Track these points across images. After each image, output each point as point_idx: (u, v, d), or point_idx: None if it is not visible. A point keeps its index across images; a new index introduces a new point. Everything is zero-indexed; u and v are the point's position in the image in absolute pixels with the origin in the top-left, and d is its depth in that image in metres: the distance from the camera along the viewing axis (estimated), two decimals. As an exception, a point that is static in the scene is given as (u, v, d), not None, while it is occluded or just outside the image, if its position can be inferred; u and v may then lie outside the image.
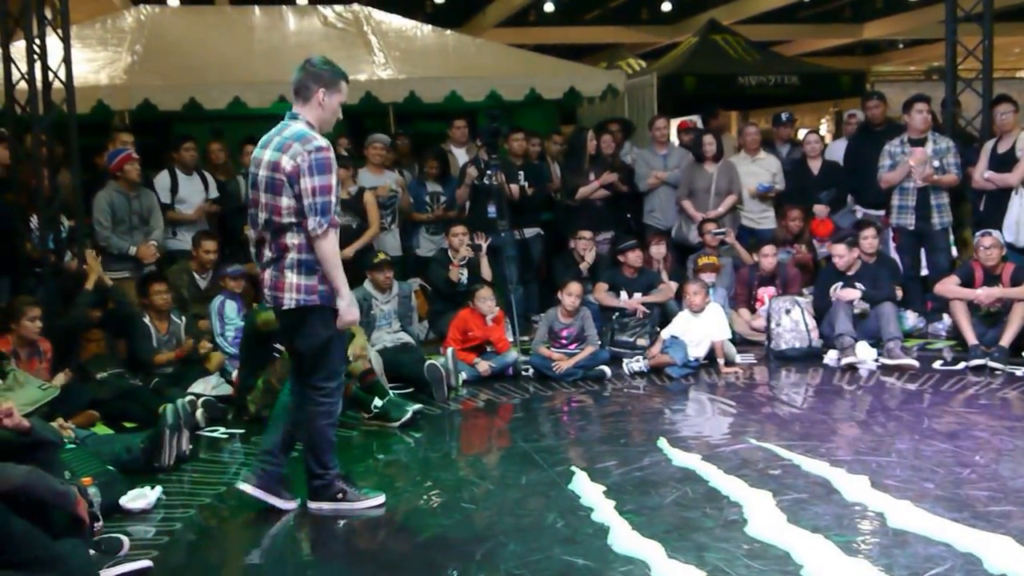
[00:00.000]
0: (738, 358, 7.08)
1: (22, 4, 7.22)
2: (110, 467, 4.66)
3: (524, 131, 8.53)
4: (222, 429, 5.77)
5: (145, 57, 9.03)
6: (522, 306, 7.89)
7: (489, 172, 7.74)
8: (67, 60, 7.32)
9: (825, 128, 16.76)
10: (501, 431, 5.95)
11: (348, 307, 4.15)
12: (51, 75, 7.32)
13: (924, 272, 7.95)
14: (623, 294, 7.51)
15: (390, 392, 5.99)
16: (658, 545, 3.71)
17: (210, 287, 7.28)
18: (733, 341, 7.17)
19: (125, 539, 3.91)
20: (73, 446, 4.98)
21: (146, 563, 3.78)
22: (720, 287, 7.74)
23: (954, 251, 8.14)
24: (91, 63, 8.82)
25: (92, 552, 3.73)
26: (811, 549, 3.63)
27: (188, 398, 5.61)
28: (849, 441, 5.14)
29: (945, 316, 7.39)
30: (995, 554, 3.49)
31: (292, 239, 4.10)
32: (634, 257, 7.56)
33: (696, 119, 9.90)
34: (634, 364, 6.85)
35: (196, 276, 7.32)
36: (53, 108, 7.31)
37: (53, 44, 7.37)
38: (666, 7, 20.07)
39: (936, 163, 7.63)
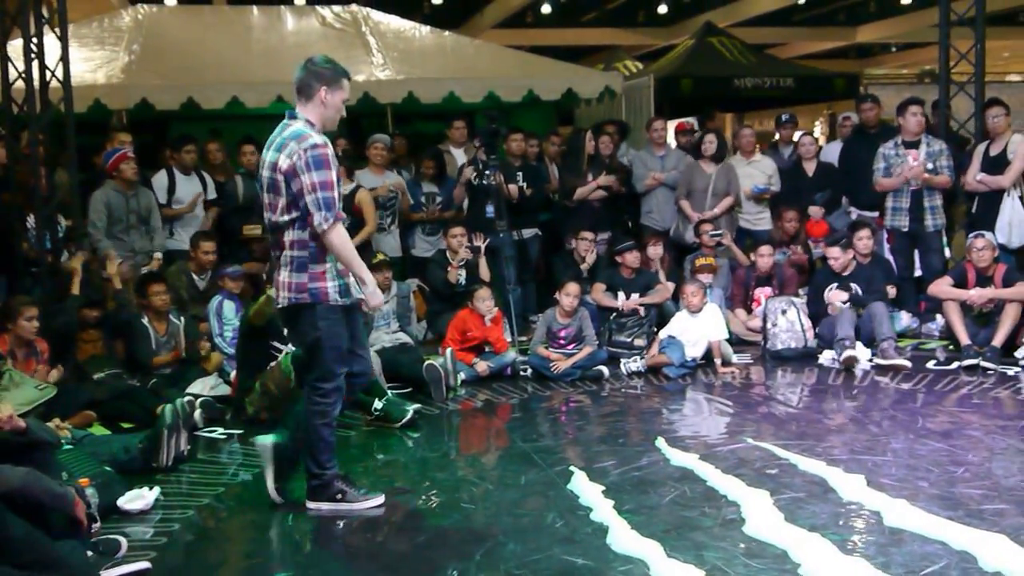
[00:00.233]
0: (735, 358, 7.12)
1: (19, 2, 7.22)
2: (107, 468, 4.65)
3: (523, 132, 8.56)
4: (220, 430, 5.77)
5: (143, 56, 9.04)
6: (520, 306, 7.93)
7: (488, 172, 7.78)
8: (64, 59, 7.33)
9: (819, 130, 16.86)
10: (500, 431, 5.96)
11: (372, 293, 4.21)
12: (48, 74, 7.33)
13: (918, 273, 8.00)
14: (620, 295, 7.54)
15: (388, 392, 6.00)
16: (657, 544, 3.73)
17: (208, 287, 7.28)
18: (730, 341, 7.21)
19: (123, 540, 3.90)
20: (70, 447, 4.94)
21: (145, 564, 3.77)
22: (717, 288, 7.77)
23: (947, 252, 8.19)
24: (88, 62, 8.83)
25: (90, 553, 3.72)
26: (808, 547, 3.65)
27: (186, 399, 5.59)
28: (845, 440, 5.16)
29: (938, 316, 7.45)
30: (990, 552, 3.53)
31: (287, 236, 4.16)
32: (632, 258, 7.59)
33: (693, 121, 9.95)
34: (631, 364, 6.88)
35: (194, 277, 7.33)
36: (50, 107, 7.32)
37: (50, 43, 7.38)
38: (662, 9, 20.14)
39: (930, 165, 7.69)
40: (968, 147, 8.56)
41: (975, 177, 7.70)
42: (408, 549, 3.93)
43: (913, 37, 23.41)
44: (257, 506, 4.51)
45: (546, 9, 19.51)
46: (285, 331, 6.00)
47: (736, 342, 7.42)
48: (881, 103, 8.88)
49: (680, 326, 7.01)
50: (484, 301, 6.97)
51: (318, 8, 10.38)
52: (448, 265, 7.63)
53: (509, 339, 7.25)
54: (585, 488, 4.45)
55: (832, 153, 9.07)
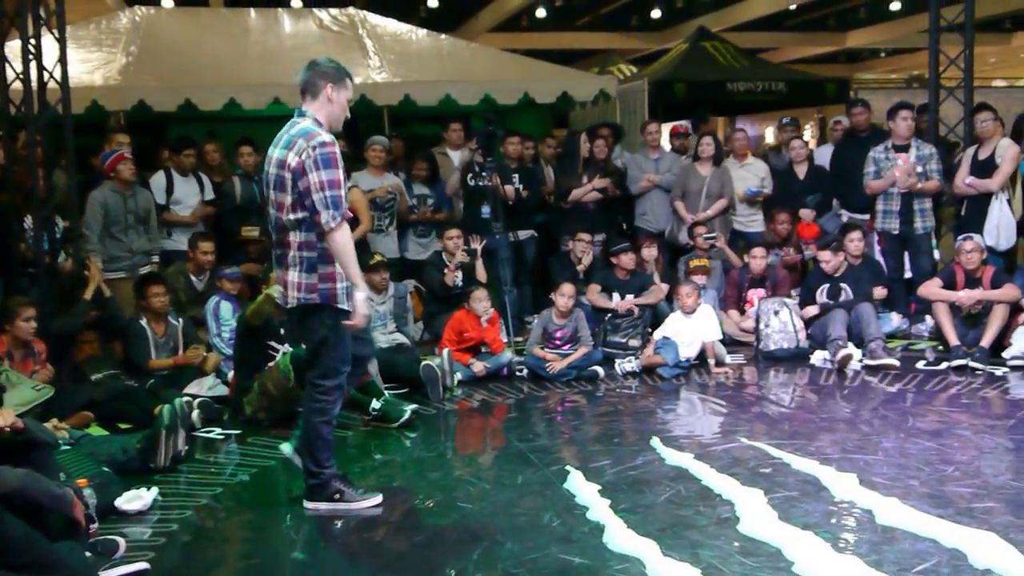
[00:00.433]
0: (728, 358, 7.18)
1: (17, 3, 7.22)
2: (105, 468, 4.65)
3: (519, 134, 8.61)
4: (218, 430, 5.78)
5: (140, 58, 9.03)
6: (516, 307, 7.97)
7: (484, 174, 7.82)
8: (62, 60, 7.32)
9: (809, 134, 16.93)
10: (496, 431, 6.00)
11: (363, 301, 4.19)
12: (46, 75, 7.32)
13: (908, 275, 8.09)
14: (615, 296, 7.59)
15: (385, 392, 6.04)
16: (653, 543, 3.77)
17: (206, 289, 7.30)
18: (723, 342, 7.27)
19: (121, 541, 3.91)
20: (68, 447, 4.96)
21: (143, 565, 3.78)
22: (711, 289, 7.83)
23: (936, 255, 8.28)
24: (85, 64, 8.81)
25: (88, 554, 3.72)
26: (802, 546, 3.71)
27: (184, 399, 5.58)
28: (836, 439, 5.22)
29: (928, 317, 7.54)
30: (980, 550, 3.59)
31: (294, 236, 4.16)
32: (627, 259, 7.64)
33: (687, 124, 10.02)
34: (626, 364, 6.94)
35: (192, 278, 7.34)
36: (48, 108, 7.32)
37: (48, 44, 7.36)
38: (656, 14, 20.26)
39: (919, 169, 7.77)
40: (956, 151, 8.66)
41: (964, 181, 7.79)
42: (406, 548, 3.95)
43: (901, 43, 23.72)
44: (255, 506, 4.54)
45: (541, 13, 19.62)
46: (282, 331, 6.09)
47: (729, 342, 7.48)
48: (871, 107, 8.96)
49: (674, 327, 7.07)
50: (480, 302, 7.01)
51: (315, 11, 10.39)
52: (445, 267, 7.67)
53: (505, 340, 7.29)
54: (581, 487, 4.49)
55: (823, 156, 9.14)
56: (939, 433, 5.28)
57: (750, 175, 8.69)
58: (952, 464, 4.71)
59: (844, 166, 8.56)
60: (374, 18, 10.37)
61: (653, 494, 4.40)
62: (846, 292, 7.42)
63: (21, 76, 7.19)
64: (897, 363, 6.83)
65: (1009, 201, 7.70)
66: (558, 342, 6.99)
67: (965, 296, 7.02)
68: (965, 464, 4.72)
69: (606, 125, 9.34)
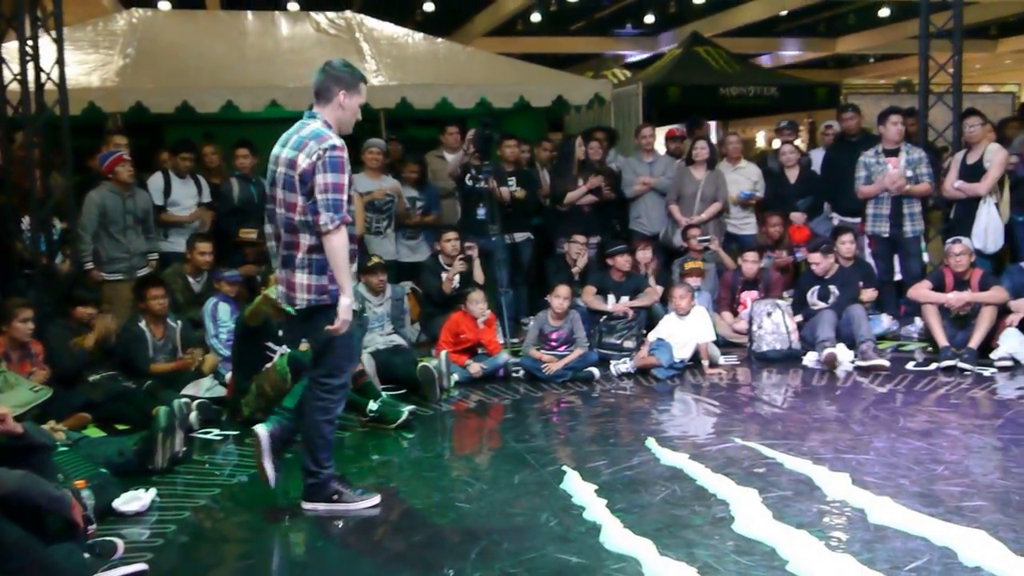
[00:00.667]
0: (721, 359, 7.24)
1: (14, 5, 7.24)
2: (103, 470, 4.66)
3: (516, 138, 8.65)
4: (216, 431, 5.78)
5: (137, 60, 9.03)
6: (512, 309, 8.03)
7: (481, 177, 7.88)
8: (60, 61, 7.34)
9: (799, 138, 17.02)
10: (493, 432, 6.03)
11: (348, 307, 4.19)
12: (43, 76, 7.33)
13: (898, 277, 8.17)
14: (611, 297, 7.64)
15: (383, 394, 6.07)
16: (649, 543, 3.80)
17: (204, 290, 7.31)
18: (717, 343, 7.34)
19: (119, 542, 3.91)
20: (65, 449, 4.96)
21: (141, 566, 3.79)
22: (704, 291, 7.90)
23: (926, 257, 8.37)
24: (83, 65, 8.82)
25: (87, 555, 3.72)
26: (796, 544, 3.76)
27: (182, 400, 5.59)
28: (829, 439, 5.28)
29: (917, 319, 7.63)
30: (970, 547, 3.66)
31: (304, 239, 4.17)
32: (623, 261, 7.69)
33: (684, 128, 10.09)
34: (621, 366, 6.99)
35: (190, 279, 7.36)
36: (45, 110, 7.33)
37: (45, 46, 7.39)
38: (649, 19, 20.36)
39: (909, 173, 7.85)
40: (945, 155, 8.76)
41: (953, 185, 7.88)
42: (404, 548, 3.96)
43: (890, 49, 23.93)
44: (253, 507, 4.54)
45: (536, 18, 19.69)
46: (280, 332, 6.12)
47: (723, 344, 7.55)
48: (862, 112, 9.05)
49: (668, 328, 7.13)
50: (477, 304, 7.05)
51: (312, 14, 10.41)
52: (441, 271, 7.70)
53: (501, 341, 7.33)
54: (578, 487, 4.52)
55: (814, 160, 9.22)
56: (929, 433, 5.36)
57: (743, 179, 8.76)
58: (942, 463, 4.78)
59: (835, 170, 8.65)
60: (371, 21, 10.40)
61: (649, 494, 4.44)
62: (836, 294, 7.50)
63: (19, 77, 7.21)
64: (888, 364, 6.91)
65: (997, 205, 7.80)
66: (554, 343, 7.04)
67: (954, 298, 7.11)
68: (954, 463, 4.79)
69: (601, 129, 9.40)
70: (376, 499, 4.43)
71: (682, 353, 7.01)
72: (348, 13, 10.53)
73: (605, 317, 7.54)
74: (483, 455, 5.60)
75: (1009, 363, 6.79)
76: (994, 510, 4.10)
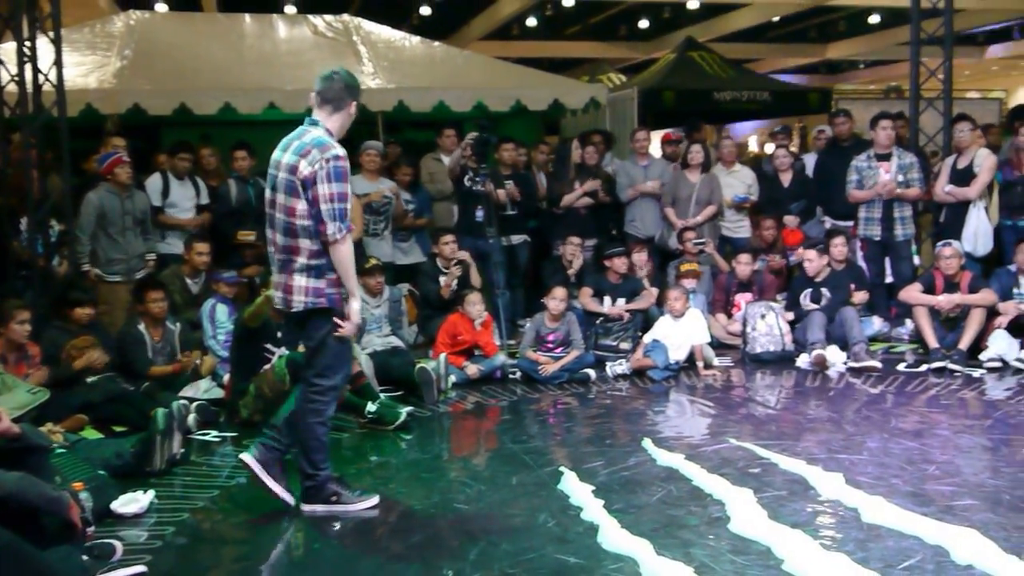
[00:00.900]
0: (716, 361, 7.29)
1: (12, 6, 7.24)
2: (101, 472, 4.65)
3: (514, 141, 8.69)
4: (214, 433, 5.78)
5: (135, 62, 9.03)
6: (509, 311, 8.06)
7: (478, 180, 7.93)
8: (58, 63, 7.34)
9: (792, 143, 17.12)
10: (490, 433, 6.05)
11: (357, 311, 4.28)
12: (41, 78, 7.34)
13: (889, 280, 8.24)
14: (607, 300, 7.68)
15: (381, 395, 6.10)
16: (646, 543, 3.84)
17: (202, 291, 7.31)
18: (711, 345, 7.38)
19: (118, 544, 3.91)
20: (63, 451, 4.93)
21: (140, 568, 3.79)
22: (699, 293, 7.96)
23: (916, 260, 8.45)
24: (80, 67, 8.82)
25: (85, 558, 3.71)
26: (792, 544, 3.80)
27: (180, 402, 5.57)
28: (822, 440, 5.34)
29: (908, 321, 7.71)
30: (962, 546, 3.72)
31: (304, 244, 4.19)
32: (620, 263, 7.72)
33: (681, 132, 10.16)
34: (617, 367, 7.04)
35: (188, 281, 7.36)
36: (43, 111, 7.34)
37: (43, 47, 7.39)
38: (644, 24, 20.45)
39: (900, 177, 7.92)
40: (935, 160, 8.84)
41: (943, 189, 7.97)
42: (403, 550, 3.97)
43: (880, 55, 24.16)
44: (251, 509, 4.54)
45: (532, 22, 19.76)
46: (279, 334, 6.14)
47: (717, 345, 7.59)
48: (853, 117, 9.14)
49: (664, 330, 7.18)
50: (475, 306, 7.09)
51: (310, 17, 10.43)
52: (439, 275, 7.73)
53: (498, 343, 7.36)
54: (575, 488, 4.55)
55: (807, 165, 9.30)
56: (920, 433, 5.43)
57: (737, 182, 8.83)
58: (933, 463, 4.85)
59: (827, 174, 8.72)
60: (368, 25, 10.43)
61: (645, 494, 4.48)
62: (828, 296, 7.57)
63: (16, 78, 7.22)
64: (880, 365, 6.99)
65: (986, 209, 7.89)
66: (550, 345, 7.07)
67: (944, 300, 7.21)
68: (945, 463, 4.86)
69: (598, 132, 9.46)
70: (374, 500, 4.45)
71: (677, 355, 7.05)
72: (345, 16, 10.56)
73: (601, 319, 7.58)
74: (481, 456, 5.62)
75: (998, 364, 6.88)
76: (985, 509, 4.16)
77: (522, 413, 6.28)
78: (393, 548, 4.02)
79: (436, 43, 10.96)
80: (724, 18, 19.78)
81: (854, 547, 3.79)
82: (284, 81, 8.84)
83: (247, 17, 10.43)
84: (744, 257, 8.02)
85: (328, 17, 10.41)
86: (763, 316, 7.44)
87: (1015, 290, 7.24)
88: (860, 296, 7.69)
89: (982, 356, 6.96)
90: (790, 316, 7.52)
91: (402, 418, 5.79)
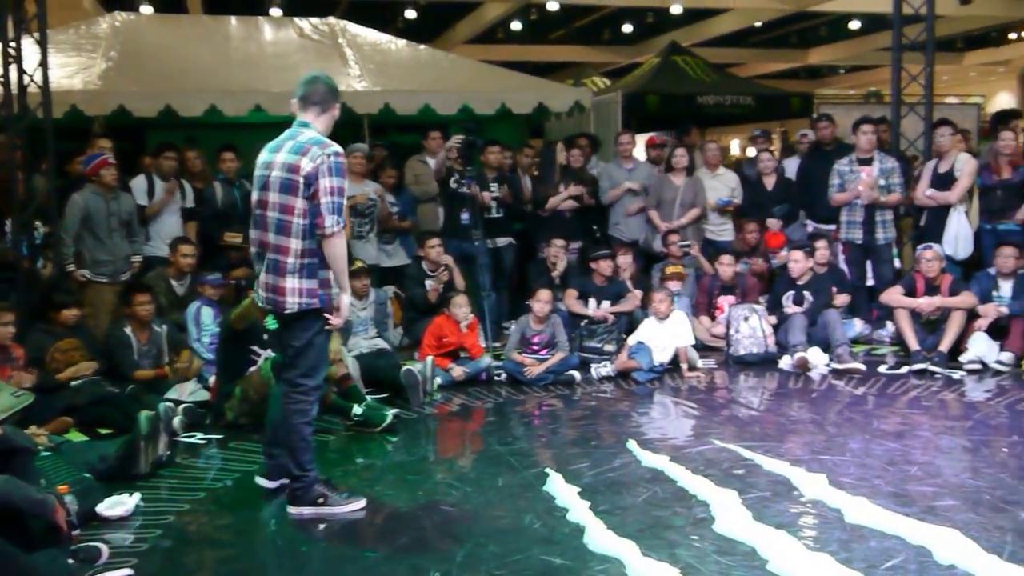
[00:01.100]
0: (700, 363, 7.32)
1: (-2, 6, 7.24)
2: (86, 475, 4.65)
3: (500, 144, 8.72)
4: (200, 435, 5.77)
5: (120, 63, 8.99)
6: (495, 313, 8.09)
7: (464, 182, 7.95)
8: (43, 64, 7.32)
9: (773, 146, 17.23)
10: (476, 435, 6.07)
11: (348, 305, 4.40)
12: (26, 79, 7.32)
13: (871, 282, 8.32)
14: (592, 302, 7.72)
15: (367, 398, 6.11)
16: (632, 544, 3.87)
17: (187, 293, 7.30)
18: (695, 347, 7.42)
19: (104, 547, 3.91)
20: (48, 453, 4.95)
21: (127, 571, 3.79)
22: (683, 295, 8.00)
23: (898, 263, 8.53)
24: (65, 68, 8.77)
25: (71, 561, 3.70)
26: (776, 544, 3.84)
27: (166, 404, 5.57)
28: (805, 441, 5.39)
29: (889, 323, 7.77)
30: (944, 546, 3.76)
31: (295, 243, 4.24)
32: (605, 266, 7.77)
33: (665, 136, 10.22)
34: (601, 369, 7.08)
35: (173, 283, 7.35)
36: (28, 112, 7.32)
37: (28, 48, 7.37)
38: (628, 29, 20.55)
39: (882, 182, 8.00)
40: (916, 164, 8.93)
41: (924, 193, 8.05)
42: (390, 552, 3.97)
43: (860, 60, 24.43)
44: (237, 510, 4.55)
45: (516, 26, 19.80)
46: (265, 336, 6.13)
47: (701, 348, 7.63)
48: (835, 122, 9.22)
49: (648, 332, 7.21)
50: (460, 308, 7.11)
51: (296, 20, 10.43)
52: (425, 279, 7.74)
53: (484, 345, 7.39)
54: (561, 489, 4.57)
55: (790, 169, 9.38)
56: (902, 434, 5.49)
57: (721, 185, 8.88)
58: (915, 464, 4.91)
59: (810, 178, 8.80)
60: (354, 28, 10.42)
61: (631, 496, 4.50)
62: (810, 299, 7.64)
63: (1, 80, 7.19)
64: (863, 367, 7.05)
65: (966, 213, 7.97)
66: (536, 347, 7.10)
67: (925, 303, 7.29)
68: (927, 464, 4.92)
69: (584, 135, 9.50)
70: (362, 503, 4.46)
71: (661, 357, 7.10)
72: (331, 19, 10.56)
73: (586, 321, 7.62)
74: (467, 458, 5.64)
75: (978, 366, 6.96)
76: (966, 509, 4.22)
77: (507, 415, 6.30)
78: (380, 550, 4.02)
79: (421, 46, 10.97)
80: (707, 23, 19.95)
81: (837, 547, 3.82)
82: (270, 83, 8.82)
83: (233, 19, 10.42)
84: (727, 259, 8.07)
85: (314, 20, 10.41)
86: (746, 318, 7.50)
87: (994, 293, 7.32)
88: (842, 299, 7.76)
89: (962, 358, 7.05)
90: (773, 319, 7.58)
91: (388, 420, 5.80)
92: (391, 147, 9.75)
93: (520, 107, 9.57)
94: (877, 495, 4.39)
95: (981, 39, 23.48)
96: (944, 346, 7.06)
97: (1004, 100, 25.90)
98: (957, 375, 6.86)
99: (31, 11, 7.45)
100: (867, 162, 8.06)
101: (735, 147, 21.07)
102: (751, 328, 7.46)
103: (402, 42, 10.62)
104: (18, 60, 7.26)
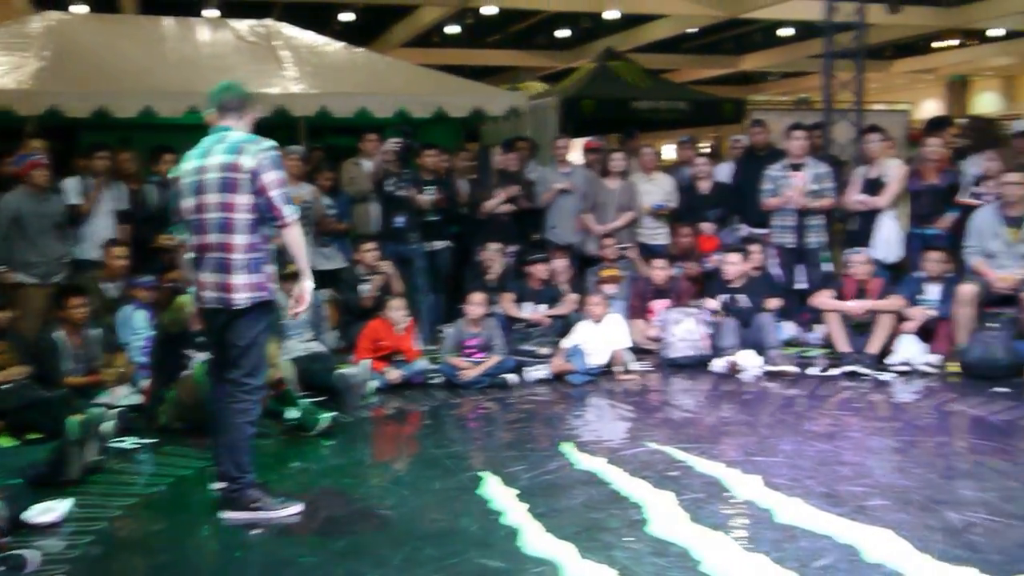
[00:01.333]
0: (635, 366, 7.38)
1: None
2: (16, 480, 4.55)
3: (436, 147, 8.71)
4: (132, 439, 5.67)
5: (53, 63, 8.77)
6: (431, 316, 8.08)
7: (401, 185, 7.92)
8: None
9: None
10: (412, 438, 6.07)
11: (309, 289, 4.47)
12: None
13: (802, 286, 8.46)
14: (529, 305, 7.75)
15: (302, 401, 6.03)
16: (569, 546, 3.89)
17: (119, 296, 7.17)
18: (630, 350, 7.49)
19: (32, 554, 3.83)
20: None
21: None
22: (619, 298, 8.07)
23: (828, 267, 8.69)
24: (-5, 67, 8.60)
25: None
26: (710, 545, 3.89)
27: (98, 409, 5.48)
28: (739, 443, 5.47)
29: (820, 326, 7.91)
30: (873, 545, 3.84)
31: (240, 239, 4.29)
32: (540, 270, 7.81)
33: (601, 140, 10.29)
34: (535, 372, 7.10)
35: (105, 286, 7.21)
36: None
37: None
38: (564, 33, 20.68)
39: (815, 187, 8.16)
40: (847, 169, 9.12)
41: (855, 198, 8.22)
42: (326, 557, 3.94)
43: (792, 67, 24.90)
44: (171, 516, 4.50)
45: (453, 30, 19.80)
46: (198, 339, 6.03)
47: (635, 351, 7.67)
48: (768, 127, 9.38)
49: (584, 335, 7.26)
50: (397, 311, 7.10)
51: (231, 21, 10.31)
52: (359, 283, 7.71)
53: (420, 348, 7.38)
54: (497, 492, 4.59)
55: (723, 173, 9.51)
56: (833, 435, 5.60)
57: (656, 189, 8.96)
58: (845, 465, 5.01)
59: (743, 183, 8.93)
60: (291, 30, 10.33)
61: (567, 498, 4.53)
62: (742, 303, 7.75)
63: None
64: (794, 370, 7.18)
65: (896, 217, 8.16)
66: (471, 350, 7.11)
67: (854, 306, 7.45)
68: (857, 465, 5.03)
69: (521, 139, 9.54)
70: (297, 507, 4.42)
71: (597, 359, 7.15)
72: (268, 21, 10.46)
73: (522, 324, 7.64)
74: (403, 461, 5.63)
75: (906, 368, 7.13)
76: (896, 509, 4.30)
77: (443, 418, 6.31)
78: (316, 555, 3.99)
79: (358, 49, 10.91)
80: (642, 29, 20.16)
81: (770, 547, 3.87)
82: (206, 85, 8.57)
83: (167, 20, 10.24)
84: (659, 261, 8.15)
85: (250, 21, 10.29)
86: (680, 322, 7.58)
87: (919, 297, 7.50)
88: (774, 302, 7.88)
89: (891, 360, 7.21)
90: (707, 323, 7.66)
91: (323, 424, 5.77)
92: (327, 149, 9.69)
93: (456, 111, 9.57)
94: (808, 495, 4.46)
95: (909, 47, 24.14)
96: (873, 348, 7.24)
97: (931, 107, 26.64)
98: (886, 377, 7.02)
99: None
100: (799, 167, 8.21)
101: (670, 152, 21.31)
102: (685, 331, 7.55)
103: (339, 44, 10.55)
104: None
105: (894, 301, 7.38)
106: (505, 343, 7.29)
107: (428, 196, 8.38)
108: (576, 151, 10.17)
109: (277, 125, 9.23)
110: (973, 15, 18.86)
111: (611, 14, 17.32)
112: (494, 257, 8.23)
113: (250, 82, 9.05)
